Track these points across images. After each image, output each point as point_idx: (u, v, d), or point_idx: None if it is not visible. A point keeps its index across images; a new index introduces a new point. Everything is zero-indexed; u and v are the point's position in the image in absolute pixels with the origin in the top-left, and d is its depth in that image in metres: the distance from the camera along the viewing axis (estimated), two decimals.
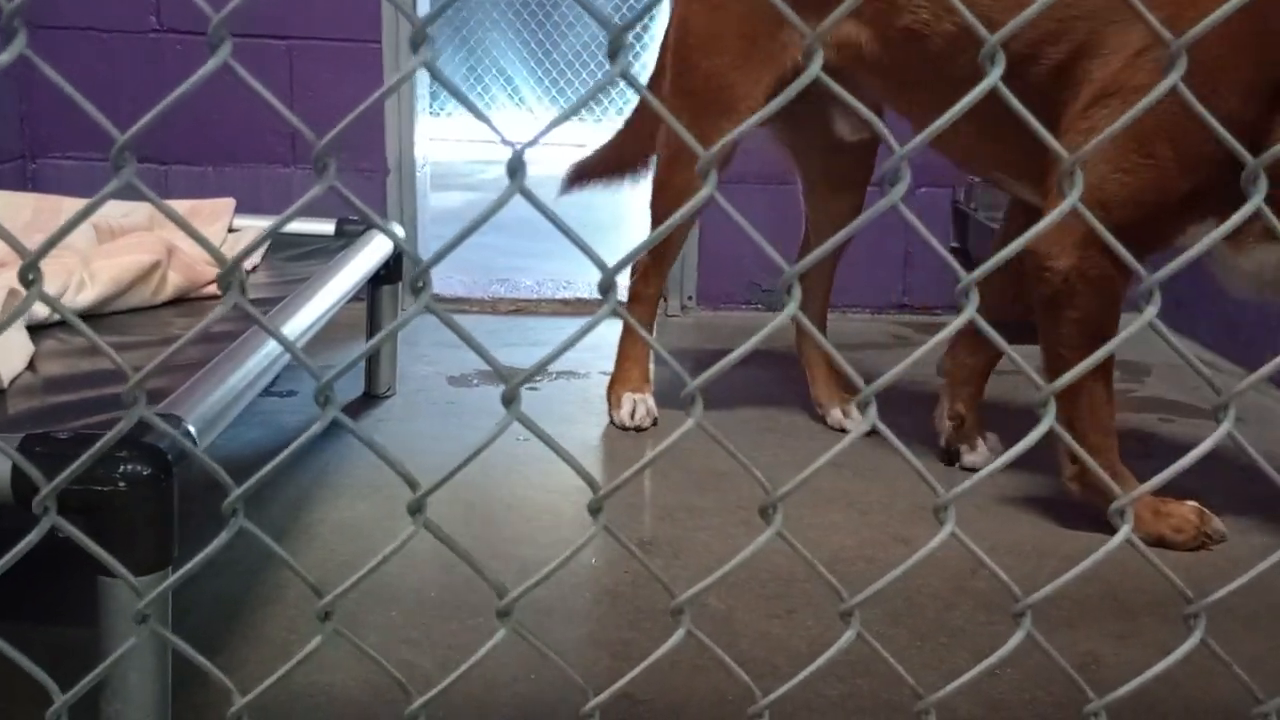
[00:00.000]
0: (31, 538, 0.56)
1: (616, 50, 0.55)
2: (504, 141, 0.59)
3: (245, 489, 0.56)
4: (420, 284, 0.55)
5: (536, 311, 3.26)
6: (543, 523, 1.86)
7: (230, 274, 0.55)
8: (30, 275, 0.53)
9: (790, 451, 2.13)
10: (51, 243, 0.54)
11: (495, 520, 1.86)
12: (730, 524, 1.88)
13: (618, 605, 1.61)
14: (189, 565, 0.57)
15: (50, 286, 1.70)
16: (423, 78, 3.29)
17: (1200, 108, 0.59)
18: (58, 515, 0.58)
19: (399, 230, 2.39)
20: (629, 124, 2.54)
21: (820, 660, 0.60)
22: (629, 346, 2.37)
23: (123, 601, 1.11)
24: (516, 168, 0.56)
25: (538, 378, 2.56)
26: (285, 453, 0.56)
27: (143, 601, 0.56)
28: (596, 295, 3.35)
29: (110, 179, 0.55)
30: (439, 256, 0.57)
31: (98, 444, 0.55)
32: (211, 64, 0.53)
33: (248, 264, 2.03)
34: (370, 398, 2.41)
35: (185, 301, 1.86)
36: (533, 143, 0.56)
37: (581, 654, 1.48)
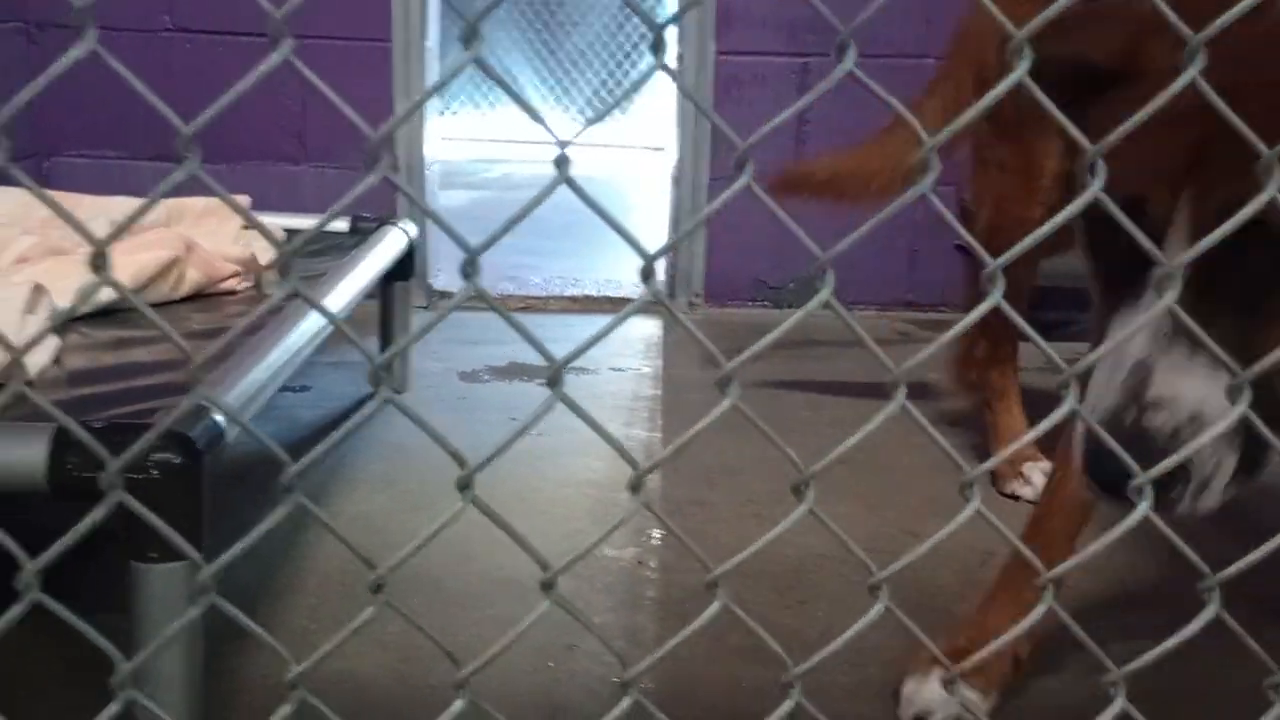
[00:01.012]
0: (97, 514, 0.59)
1: (657, 46, 0.57)
2: (556, 141, 0.61)
3: (303, 464, 0.58)
4: (469, 271, 0.58)
5: (545, 309, 3.29)
6: (555, 515, 1.89)
7: (288, 260, 0.57)
8: (99, 262, 0.56)
9: (797, 447, 2.14)
10: (121, 228, 0.56)
11: (508, 512, 1.85)
12: (741, 518, 1.91)
13: (634, 595, 1.63)
14: (245, 540, 0.60)
15: (74, 281, 1.72)
16: (433, 77, 3.31)
17: (1225, 107, 0.61)
18: (125, 493, 0.60)
19: (412, 227, 2.41)
20: (877, 141, 2.17)
21: (849, 633, 0.63)
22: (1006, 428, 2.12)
23: (156, 586, 1.14)
24: (562, 161, 0.59)
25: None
26: (342, 430, 0.58)
27: (205, 572, 0.59)
28: (605, 293, 3.38)
29: (159, 168, 0.57)
30: (488, 244, 0.60)
31: (165, 420, 0.57)
32: (276, 57, 0.56)
33: (264, 260, 2.06)
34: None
35: (203, 297, 1.88)
36: (576, 137, 0.59)
37: (597, 642, 1.51)
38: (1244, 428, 0.72)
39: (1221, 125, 0.59)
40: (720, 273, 3.25)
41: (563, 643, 1.48)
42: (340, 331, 0.63)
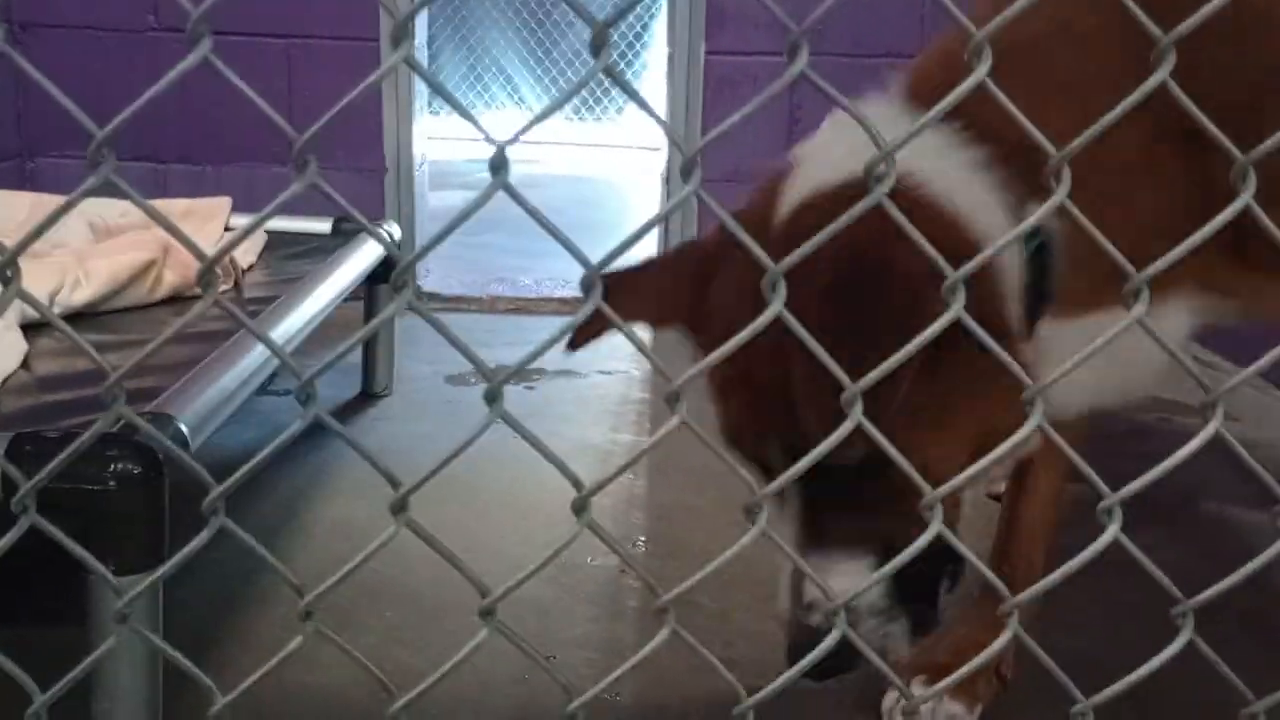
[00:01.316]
0: (10, 536, 0.56)
1: (600, 46, 0.54)
2: (487, 139, 0.58)
3: (225, 488, 0.55)
4: (402, 282, 0.55)
5: (536, 310, 3.26)
6: (537, 520, 1.86)
7: (208, 272, 0.54)
8: (9, 272, 0.53)
9: None
10: (25, 244, 0.53)
11: (489, 518, 1.85)
12: (727, 524, 1.87)
13: (616, 605, 1.60)
14: (168, 565, 0.57)
15: (47, 284, 1.69)
16: (416, 78, 3.29)
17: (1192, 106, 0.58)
18: (37, 514, 0.57)
19: (395, 229, 2.38)
20: None
21: (803, 663, 0.60)
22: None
23: (111, 599, 1.11)
24: (500, 164, 0.56)
25: (535, 377, 2.55)
26: (265, 452, 0.55)
27: (122, 600, 0.56)
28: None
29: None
30: (420, 254, 0.57)
31: (75, 443, 0.54)
32: (192, 58, 0.53)
33: (244, 263, 2.03)
34: (367, 397, 2.41)
35: (181, 300, 1.85)
36: (514, 140, 0.56)
37: (578, 654, 1.48)
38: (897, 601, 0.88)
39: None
40: None
41: (542, 655, 1.45)
42: (273, 351, 0.60)
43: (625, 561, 0.57)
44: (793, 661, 0.91)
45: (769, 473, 0.92)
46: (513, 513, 1.88)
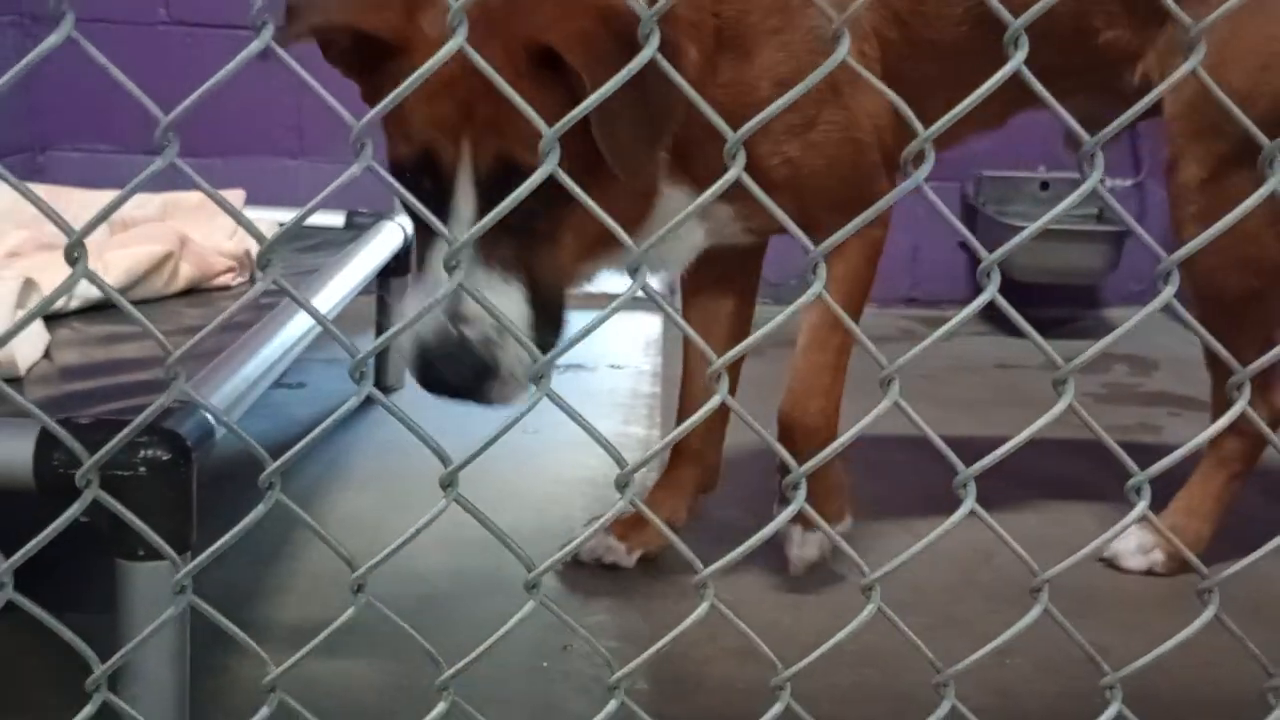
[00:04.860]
0: (74, 510, 0.58)
1: None
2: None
3: (282, 462, 0.57)
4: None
5: None
6: (551, 514, 1.87)
7: (270, 251, 0.56)
8: (75, 253, 0.55)
9: None
10: (95, 223, 0.55)
11: (501, 510, 1.84)
12: (738, 515, 1.89)
13: (632, 595, 1.62)
14: (226, 538, 0.58)
15: (64, 278, 1.70)
16: None
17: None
18: (99, 489, 0.59)
19: (408, 222, 2.39)
20: None
21: (841, 634, 0.62)
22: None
23: (142, 584, 1.12)
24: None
25: None
26: (323, 426, 0.57)
27: (182, 571, 0.57)
28: (604, 289, 3.35)
29: (153, 162, 0.56)
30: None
31: (140, 417, 0.56)
32: (256, 45, 0.54)
33: (256, 255, 2.04)
34: (381, 389, 2.41)
35: (197, 292, 1.87)
36: (562, 127, 0.57)
37: (595, 639, 1.49)
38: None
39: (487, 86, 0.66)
40: None
41: (556, 643, 1.46)
42: (328, 330, 0.62)
43: (666, 535, 0.58)
44: (422, 377, 1.15)
45: (437, 181, 1.09)
46: (525, 505, 1.89)
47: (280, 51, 0.56)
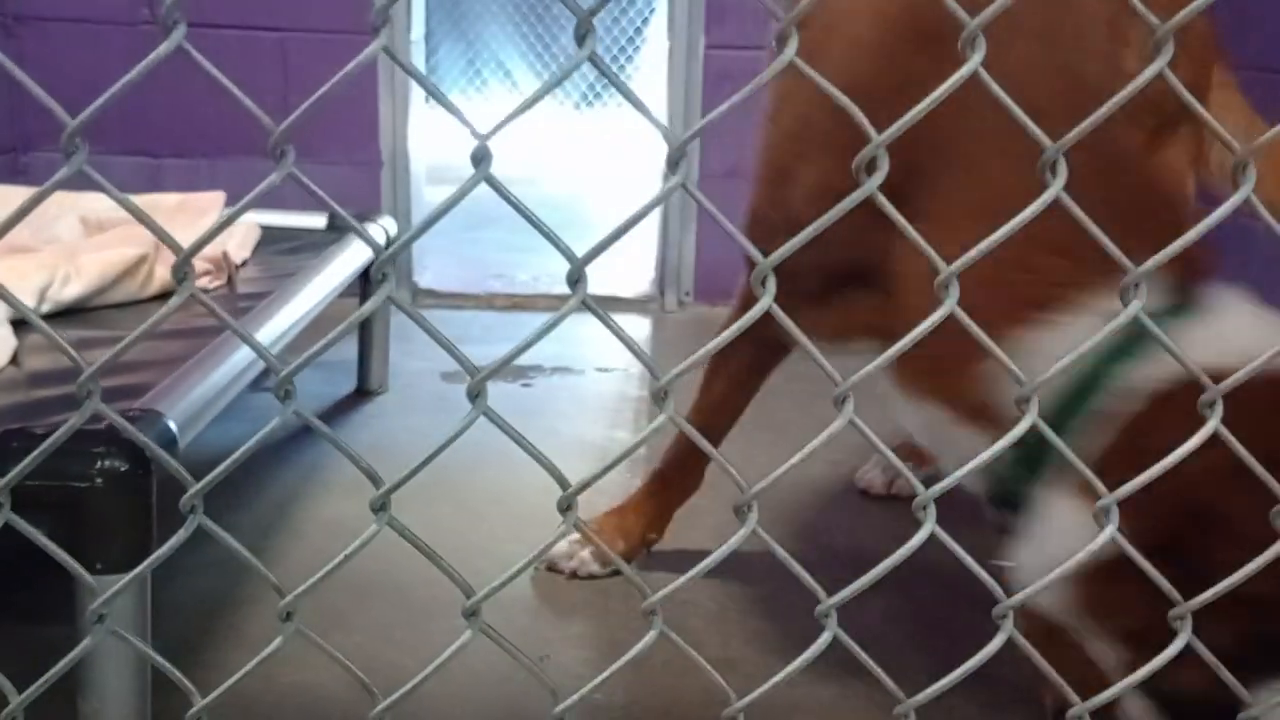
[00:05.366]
0: None
1: (583, 35, 0.53)
2: (473, 133, 0.57)
3: (203, 485, 0.54)
4: (381, 275, 0.54)
5: (533, 307, 3.24)
6: (532, 519, 1.84)
7: (183, 265, 0.53)
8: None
9: (787, 451, 2.10)
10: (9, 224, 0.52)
11: (483, 516, 1.84)
12: (726, 525, 1.85)
13: (610, 605, 1.59)
14: (145, 563, 0.55)
15: (36, 280, 1.68)
16: (420, 68, 3.27)
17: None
18: (11, 512, 0.56)
19: (391, 224, 2.36)
20: None
21: (794, 665, 0.59)
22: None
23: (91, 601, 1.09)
24: (481, 157, 0.54)
25: (531, 373, 2.54)
26: (245, 447, 0.54)
27: (98, 600, 0.54)
28: (592, 291, 3.33)
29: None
30: (400, 247, 0.55)
31: (47, 440, 0.53)
32: (164, 47, 0.51)
33: (237, 258, 2.02)
34: (362, 394, 2.40)
35: (172, 295, 1.84)
36: (495, 132, 0.54)
37: (572, 653, 1.47)
38: None
39: None
40: (710, 270, 3.20)
41: (533, 653, 1.44)
42: (249, 344, 0.59)
43: (615, 562, 0.55)
44: None
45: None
46: (505, 512, 1.87)
47: (194, 52, 0.52)
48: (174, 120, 2.90)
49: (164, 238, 0.55)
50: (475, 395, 0.55)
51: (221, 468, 0.55)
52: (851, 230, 0.69)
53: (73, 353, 0.54)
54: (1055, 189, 0.56)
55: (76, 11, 2.93)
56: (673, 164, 0.53)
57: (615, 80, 0.56)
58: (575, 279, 0.55)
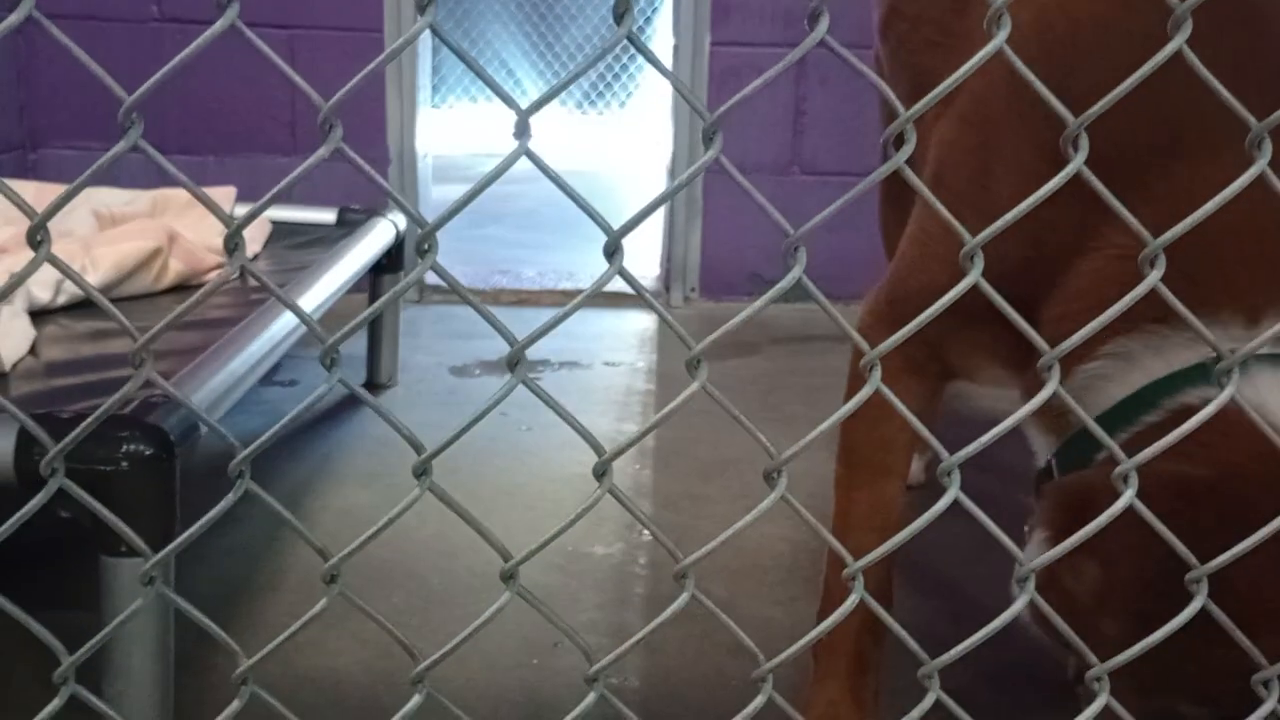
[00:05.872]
0: (39, 498, 0.56)
1: (622, 13, 0.55)
2: (508, 103, 0.59)
3: (252, 450, 0.56)
4: (426, 246, 0.55)
5: (538, 303, 3.26)
6: (543, 510, 1.86)
7: (236, 235, 0.55)
8: (39, 236, 0.53)
9: (786, 439, 2.12)
10: (58, 205, 0.54)
11: (496, 507, 1.86)
12: (734, 511, 1.88)
13: (623, 593, 1.61)
14: (195, 526, 0.57)
15: (53, 272, 1.69)
16: (425, 68, 3.28)
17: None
18: (65, 478, 0.58)
19: (400, 220, 2.38)
20: None
21: (829, 621, 0.61)
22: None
23: (124, 580, 1.11)
24: (522, 130, 0.56)
25: (540, 367, 2.56)
26: (293, 412, 0.56)
27: (150, 562, 0.56)
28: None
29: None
30: (443, 220, 0.57)
31: (105, 404, 0.55)
32: (219, 25, 0.53)
33: (249, 252, 2.03)
34: (371, 387, 2.41)
35: (187, 288, 1.85)
36: (535, 108, 0.56)
37: (585, 639, 1.48)
38: None
39: None
40: (715, 266, 3.22)
41: (547, 640, 1.45)
42: (300, 317, 0.61)
43: (643, 523, 0.57)
44: None
45: None
46: (518, 503, 1.88)
47: (248, 32, 0.54)
48: (182, 117, 2.92)
49: (215, 210, 0.56)
50: (515, 364, 0.56)
51: (270, 433, 0.57)
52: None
53: (126, 321, 0.56)
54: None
55: (86, 8, 2.94)
56: (708, 138, 0.55)
57: (650, 56, 0.57)
58: (612, 250, 0.57)
